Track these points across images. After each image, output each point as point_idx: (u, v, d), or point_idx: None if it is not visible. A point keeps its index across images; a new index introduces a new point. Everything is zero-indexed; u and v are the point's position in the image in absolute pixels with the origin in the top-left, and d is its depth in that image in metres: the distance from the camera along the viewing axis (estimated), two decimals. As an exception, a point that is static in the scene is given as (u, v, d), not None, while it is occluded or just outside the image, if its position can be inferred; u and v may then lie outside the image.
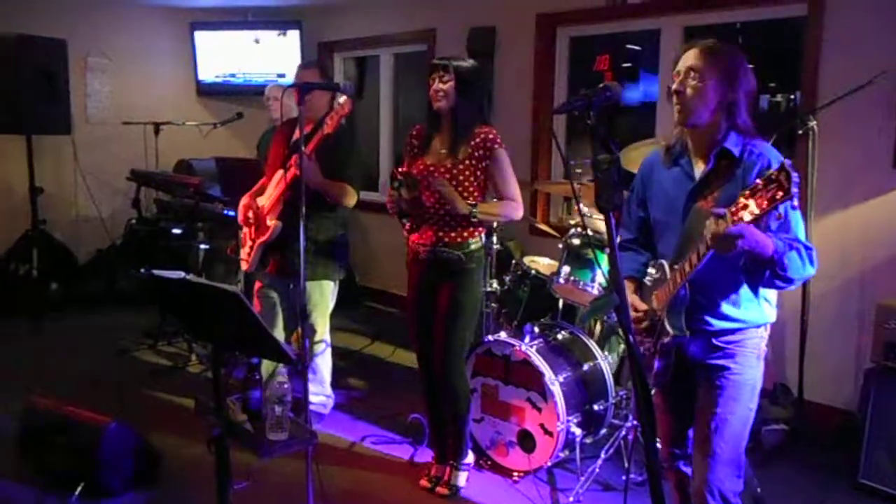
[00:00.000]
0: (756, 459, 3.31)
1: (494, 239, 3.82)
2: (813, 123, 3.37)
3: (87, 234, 6.08)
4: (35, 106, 5.08)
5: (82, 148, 5.79)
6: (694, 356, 2.09)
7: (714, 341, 2.06)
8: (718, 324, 2.04)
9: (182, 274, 2.08)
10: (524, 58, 4.96)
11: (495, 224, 3.79)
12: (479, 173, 2.90)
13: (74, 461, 2.97)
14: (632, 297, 2.20)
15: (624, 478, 3.20)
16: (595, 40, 4.85)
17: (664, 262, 2.07)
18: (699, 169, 2.06)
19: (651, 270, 2.14)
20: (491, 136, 2.88)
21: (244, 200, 3.54)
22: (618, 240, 1.95)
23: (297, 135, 3.40)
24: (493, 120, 3.12)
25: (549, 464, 3.18)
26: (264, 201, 3.44)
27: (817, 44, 3.66)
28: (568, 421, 3.09)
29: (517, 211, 2.95)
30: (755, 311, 2.05)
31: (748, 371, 2.06)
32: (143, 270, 2.12)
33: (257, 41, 6.49)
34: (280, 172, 3.35)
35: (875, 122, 3.47)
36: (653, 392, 2.22)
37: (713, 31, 4.23)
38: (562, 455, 3.21)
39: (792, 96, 4.19)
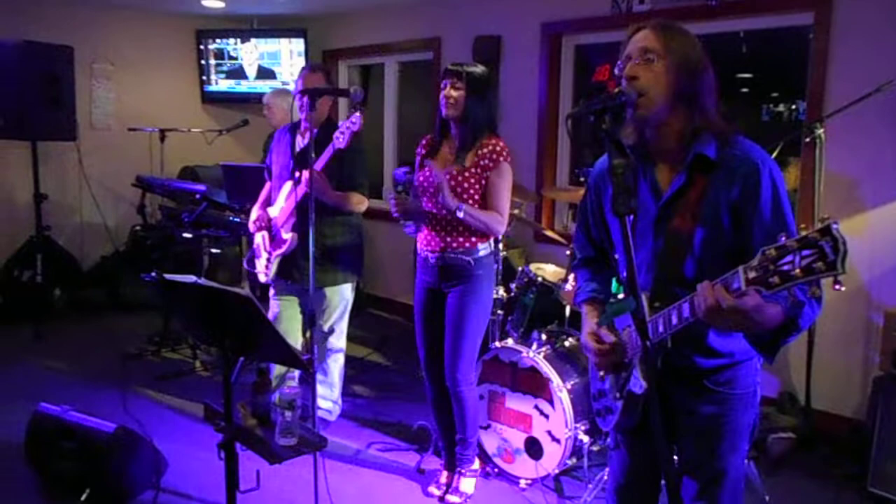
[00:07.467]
0: (763, 467, 3.31)
1: (501, 247, 3.82)
2: (820, 131, 3.39)
3: (91, 240, 6.09)
4: (40, 112, 5.08)
5: (87, 154, 5.79)
6: (677, 403, 1.72)
7: (705, 383, 1.72)
8: (707, 362, 1.71)
9: (193, 278, 2.07)
10: (529, 66, 4.97)
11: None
12: (483, 181, 2.90)
13: (81, 467, 2.96)
14: (592, 326, 1.85)
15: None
16: (596, 49, 4.84)
17: (642, 294, 1.66)
18: (665, 179, 1.72)
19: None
20: (499, 148, 2.89)
21: (255, 213, 3.57)
22: (567, 254, 1.78)
23: (299, 142, 3.43)
24: (499, 128, 3.13)
25: (557, 471, 3.17)
26: (276, 213, 3.47)
27: (824, 52, 3.67)
28: (576, 428, 3.08)
29: (500, 225, 2.93)
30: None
31: (745, 415, 1.74)
32: (152, 274, 2.10)
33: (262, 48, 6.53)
34: (289, 184, 3.37)
35: (882, 131, 3.48)
36: (611, 434, 1.94)
37: (718, 39, 4.24)
38: (569, 463, 3.20)
39: (794, 105, 4.17)
